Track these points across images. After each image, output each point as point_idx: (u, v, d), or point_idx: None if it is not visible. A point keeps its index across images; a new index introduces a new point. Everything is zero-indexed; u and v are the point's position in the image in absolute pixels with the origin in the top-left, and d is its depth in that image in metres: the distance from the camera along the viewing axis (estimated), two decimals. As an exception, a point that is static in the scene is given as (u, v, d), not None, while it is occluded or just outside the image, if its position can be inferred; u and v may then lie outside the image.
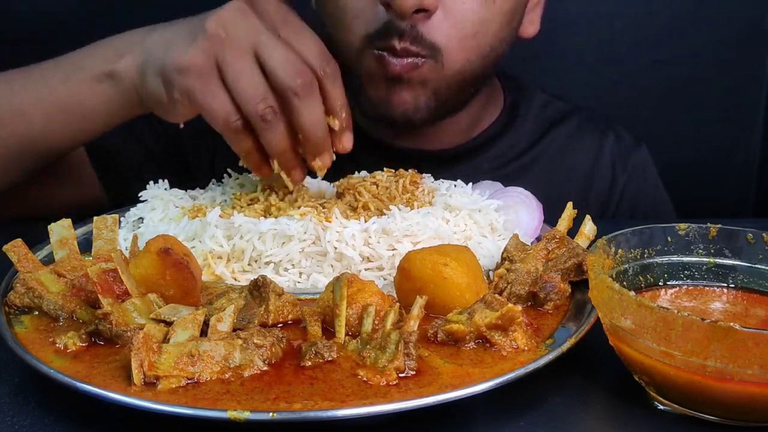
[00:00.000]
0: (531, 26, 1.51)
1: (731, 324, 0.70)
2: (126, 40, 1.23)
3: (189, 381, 0.78)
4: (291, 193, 1.19)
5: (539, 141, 1.61)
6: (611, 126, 1.66)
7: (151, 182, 1.26)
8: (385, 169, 1.25)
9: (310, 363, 0.82)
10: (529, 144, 1.61)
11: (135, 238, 1.02)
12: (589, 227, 1.05)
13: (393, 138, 1.54)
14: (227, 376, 0.79)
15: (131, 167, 1.59)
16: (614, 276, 0.90)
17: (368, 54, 1.33)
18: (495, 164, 1.56)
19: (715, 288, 0.94)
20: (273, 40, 1.09)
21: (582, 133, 1.64)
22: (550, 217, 1.18)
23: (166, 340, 0.82)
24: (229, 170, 1.31)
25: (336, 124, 1.11)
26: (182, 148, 1.65)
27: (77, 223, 1.19)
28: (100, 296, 0.88)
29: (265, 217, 1.11)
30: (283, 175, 1.16)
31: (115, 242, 1.07)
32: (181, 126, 1.18)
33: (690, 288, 0.94)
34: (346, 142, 1.16)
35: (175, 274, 0.92)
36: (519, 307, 0.84)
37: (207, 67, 1.08)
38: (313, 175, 1.34)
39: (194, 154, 1.65)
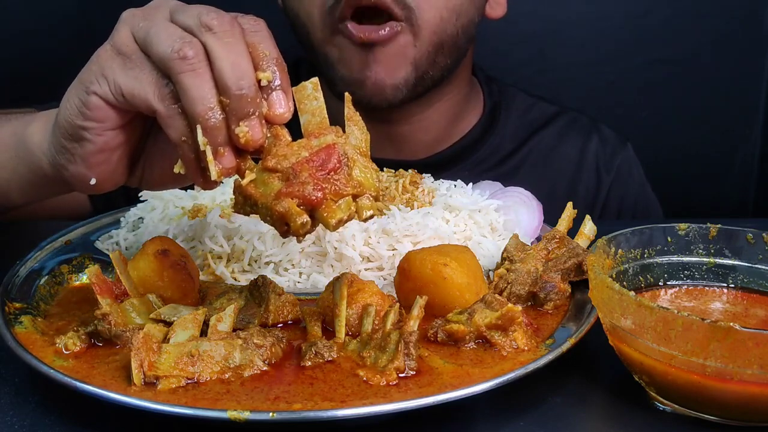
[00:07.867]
0: (498, 7, 1.55)
1: (731, 324, 0.70)
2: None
3: (189, 381, 0.78)
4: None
5: (521, 147, 1.60)
6: (595, 128, 1.64)
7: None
8: (385, 169, 1.25)
9: (310, 363, 0.82)
10: (512, 150, 1.59)
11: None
12: (589, 227, 1.05)
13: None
14: (227, 376, 0.79)
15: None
16: (614, 276, 0.90)
17: (335, 30, 1.36)
18: (476, 171, 1.54)
19: (715, 288, 0.94)
20: (183, 5, 0.88)
21: (565, 138, 1.62)
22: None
23: (166, 340, 0.82)
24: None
25: (267, 76, 0.83)
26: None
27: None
28: (98, 297, 0.88)
29: (265, 217, 1.11)
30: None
31: (323, 110, 0.85)
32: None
33: (690, 288, 0.94)
34: (277, 106, 0.84)
35: (173, 275, 0.92)
36: (519, 307, 0.84)
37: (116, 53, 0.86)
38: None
39: None
